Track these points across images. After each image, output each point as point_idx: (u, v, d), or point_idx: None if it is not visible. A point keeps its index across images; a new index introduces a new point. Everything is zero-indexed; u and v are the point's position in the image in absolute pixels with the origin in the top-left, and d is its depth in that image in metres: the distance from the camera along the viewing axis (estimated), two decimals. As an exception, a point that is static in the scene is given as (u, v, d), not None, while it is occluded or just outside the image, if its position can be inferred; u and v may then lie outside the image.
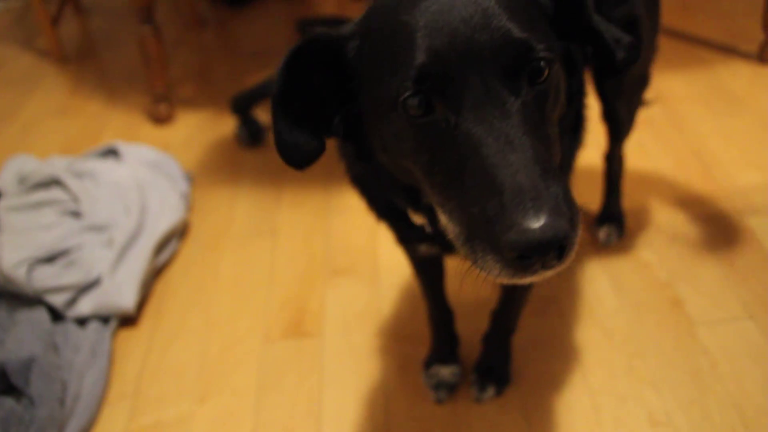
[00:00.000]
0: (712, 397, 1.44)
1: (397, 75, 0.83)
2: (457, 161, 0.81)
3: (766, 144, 2.13)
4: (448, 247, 1.19)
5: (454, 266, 1.44)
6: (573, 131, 1.19)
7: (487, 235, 0.76)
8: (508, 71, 0.81)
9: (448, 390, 1.51)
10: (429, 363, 1.55)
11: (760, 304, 1.63)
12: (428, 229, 1.10)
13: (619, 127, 1.71)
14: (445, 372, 1.53)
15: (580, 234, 0.79)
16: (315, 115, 0.94)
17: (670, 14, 2.80)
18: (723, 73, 2.51)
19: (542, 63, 0.83)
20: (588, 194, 1.99)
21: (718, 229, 1.85)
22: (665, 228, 1.87)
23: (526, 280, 0.78)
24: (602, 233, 1.85)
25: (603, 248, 1.83)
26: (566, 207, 0.76)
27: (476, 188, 0.78)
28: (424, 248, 1.26)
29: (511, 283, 0.81)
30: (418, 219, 1.10)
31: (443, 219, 0.86)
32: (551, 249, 0.73)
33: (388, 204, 1.16)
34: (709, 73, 2.52)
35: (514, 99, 0.81)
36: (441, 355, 1.55)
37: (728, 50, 2.64)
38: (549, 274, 0.77)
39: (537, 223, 0.72)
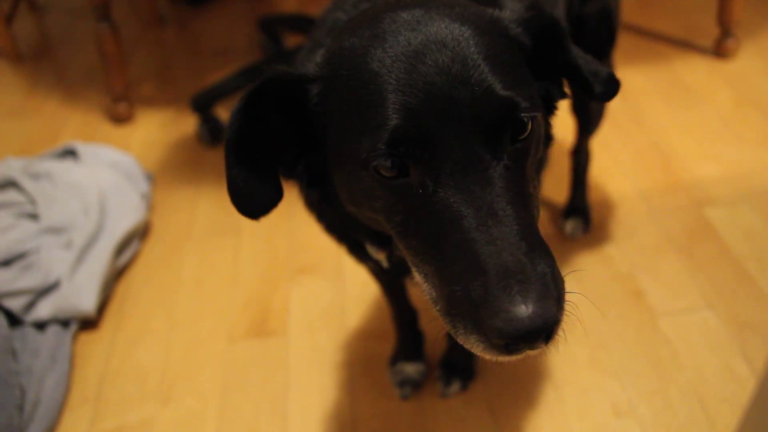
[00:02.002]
0: (673, 386, 1.46)
1: (367, 135, 0.75)
2: (435, 230, 0.75)
3: (722, 136, 2.18)
4: (405, 272, 1.14)
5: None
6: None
7: (471, 317, 0.70)
8: (490, 132, 0.75)
9: (413, 386, 1.51)
10: (394, 360, 1.55)
11: (718, 294, 1.66)
12: (385, 264, 1.06)
13: (589, 119, 1.72)
14: (410, 369, 1.53)
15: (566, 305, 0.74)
16: (274, 161, 0.86)
17: (629, 10, 2.84)
18: (680, 67, 2.55)
19: (525, 118, 0.77)
20: (554, 187, 2.01)
21: (677, 221, 1.88)
22: (626, 221, 1.90)
23: (511, 360, 0.74)
24: (568, 226, 1.87)
25: (566, 242, 1.85)
26: (554, 286, 0.71)
27: (457, 264, 0.72)
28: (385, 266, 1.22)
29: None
30: (378, 255, 1.04)
31: (417, 277, 0.81)
32: (540, 337, 0.69)
33: (349, 237, 1.09)
34: (667, 67, 2.56)
35: (496, 163, 0.75)
36: (406, 353, 1.55)
37: (685, 45, 2.68)
38: (534, 353, 0.73)
39: (525, 311, 0.67)
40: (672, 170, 2.06)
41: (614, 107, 2.33)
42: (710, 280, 1.69)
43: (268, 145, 0.85)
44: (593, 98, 0.91)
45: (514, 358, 0.73)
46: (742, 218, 1.86)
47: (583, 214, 1.88)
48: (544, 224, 1.92)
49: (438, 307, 0.77)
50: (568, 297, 0.75)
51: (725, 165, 2.05)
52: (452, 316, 0.74)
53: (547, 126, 0.94)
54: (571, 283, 1.71)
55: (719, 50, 2.57)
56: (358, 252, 1.14)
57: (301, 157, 0.88)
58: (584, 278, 1.74)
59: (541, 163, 1.18)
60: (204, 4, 3.51)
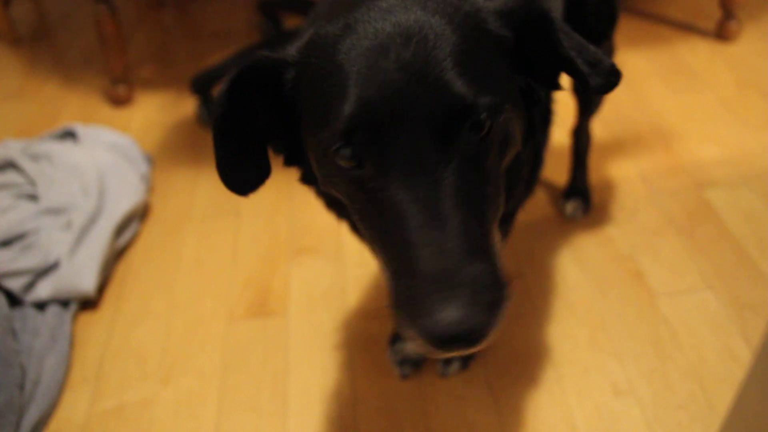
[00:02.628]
0: (672, 366, 1.47)
1: (328, 123, 0.77)
2: (384, 224, 0.77)
3: (724, 119, 2.17)
4: None
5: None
6: (542, 127, 1.17)
7: (408, 312, 0.72)
8: (443, 132, 0.75)
9: (412, 366, 1.52)
10: (393, 339, 1.55)
11: (718, 275, 1.65)
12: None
13: (590, 101, 1.71)
14: (410, 348, 1.53)
15: (506, 307, 0.74)
16: (260, 139, 0.89)
17: (630, -8, 2.83)
18: (682, 49, 2.54)
19: (483, 116, 0.76)
20: (555, 169, 2.01)
21: (678, 202, 1.87)
22: (626, 202, 1.89)
23: (446, 356, 0.76)
24: (569, 208, 1.86)
25: (566, 224, 1.85)
26: (487, 292, 0.72)
27: (399, 261, 0.75)
28: None
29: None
30: None
31: (378, 261, 0.83)
32: (463, 342, 0.70)
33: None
34: (669, 49, 2.55)
35: (446, 164, 0.75)
36: None
37: (687, 28, 2.67)
38: (470, 351, 0.73)
39: (448, 316, 0.68)
40: (673, 152, 2.05)
41: (615, 89, 2.32)
42: (710, 262, 1.69)
43: (254, 125, 0.88)
44: (590, 91, 0.86)
45: (448, 354, 0.74)
46: (742, 200, 1.85)
47: (584, 196, 1.88)
48: (544, 205, 1.91)
49: (389, 297, 0.78)
50: (507, 301, 0.75)
51: (726, 147, 2.05)
52: (396, 307, 0.75)
53: (534, 115, 0.93)
54: (570, 263, 1.72)
55: (721, 33, 2.56)
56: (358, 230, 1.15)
57: (281, 135, 0.90)
58: (584, 259, 1.74)
59: (542, 143, 1.18)
60: (203, -14, 3.49)
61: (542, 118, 1.14)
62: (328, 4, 1.06)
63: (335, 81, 0.78)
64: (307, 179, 0.97)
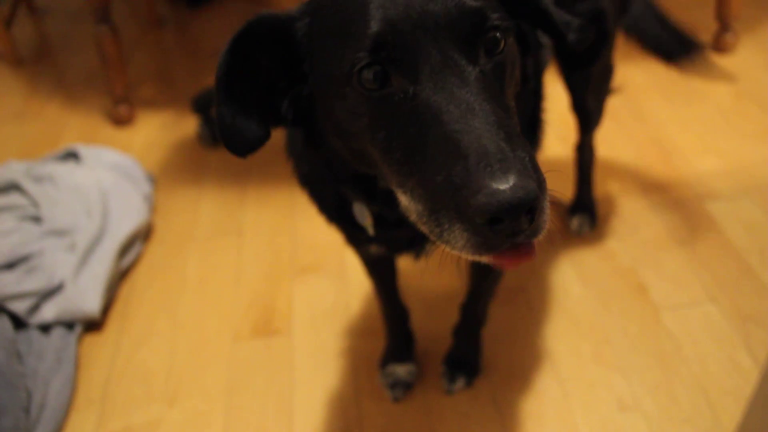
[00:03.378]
0: (677, 380, 1.47)
1: (350, 46, 0.80)
2: (417, 133, 0.78)
3: (722, 131, 2.18)
4: (396, 248, 1.18)
5: (410, 264, 1.45)
6: (531, 134, 1.19)
7: (454, 203, 0.73)
8: (465, 40, 0.80)
9: (404, 388, 1.51)
10: (385, 362, 1.55)
11: (721, 287, 1.66)
12: (371, 231, 1.09)
13: (588, 117, 1.72)
14: (401, 370, 1.53)
15: (548, 197, 0.76)
16: (262, 100, 0.91)
17: (627, 6, 2.84)
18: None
19: (498, 34, 0.82)
20: (559, 185, 2.01)
21: (679, 215, 1.88)
22: (628, 216, 1.90)
23: (495, 253, 0.74)
24: (575, 223, 1.87)
25: (568, 238, 1.85)
26: (534, 171, 0.74)
27: (439, 157, 0.75)
28: (373, 249, 1.24)
29: (479, 260, 0.77)
30: (364, 220, 1.08)
31: (404, 201, 0.83)
32: (522, 210, 0.70)
33: (339, 205, 1.12)
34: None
35: (472, 67, 0.79)
36: (396, 354, 1.55)
37: (684, 40, 2.68)
38: (520, 239, 0.73)
39: (506, 183, 0.69)
40: (673, 165, 2.06)
41: (614, 103, 2.33)
42: (712, 274, 1.70)
43: (257, 84, 0.90)
44: (568, 46, 0.97)
45: (498, 249, 0.73)
46: (743, 212, 1.86)
47: (590, 211, 1.88)
48: (554, 222, 1.91)
49: (423, 215, 0.79)
50: (544, 180, 0.76)
51: (726, 159, 2.06)
52: (436, 212, 0.76)
53: (526, 64, 0.99)
54: (573, 278, 1.73)
55: (718, 45, 2.58)
56: (350, 234, 1.19)
57: (288, 94, 0.92)
58: (587, 273, 1.74)
59: (540, 66, 1.21)
60: (203, 5, 3.52)
61: (532, 123, 1.17)
62: None
63: (354, 9, 0.81)
64: (312, 141, 0.97)
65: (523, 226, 0.71)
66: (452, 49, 0.79)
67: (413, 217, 0.82)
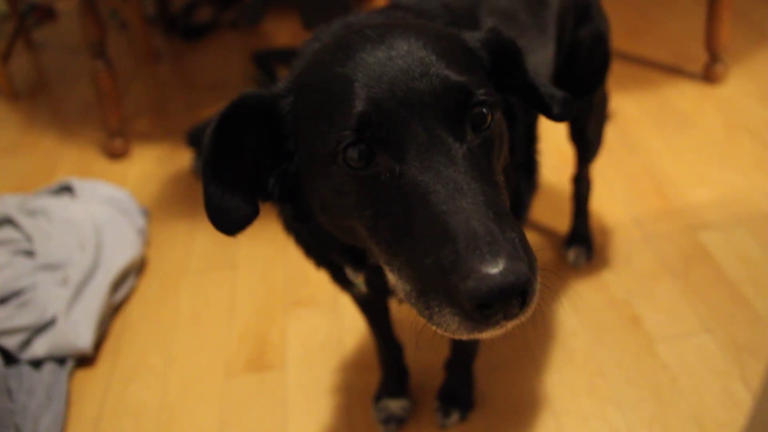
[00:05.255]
0: (673, 412, 1.46)
1: (335, 125, 0.79)
2: (404, 213, 0.77)
3: (714, 161, 2.19)
4: (385, 293, 1.15)
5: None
6: (527, 176, 1.20)
7: (443, 287, 0.71)
8: (451, 116, 0.79)
9: (397, 423, 1.50)
10: (378, 397, 1.54)
11: (715, 317, 1.66)
12: (363, 289, 1.09)
13: (588, 147, 1.73)
14: (395, 405, 1.52)
15: (539, 283, 0.75)
16: (248, 178, 0.89)
17: (618, 37, 2.86)
18: (671, 93, 2.58)
19: (484, 109, 0.81)
20: (553, 217, 2.02)
21: (672, 246, 1.88)
22: (621, 247, 1.90)
23: (487, 335, 0.73)
24: (571, 255, 1.87)
25: (561, 269, 1.85)
26: (524, 252, 0.72)
27: (427, 238, 0.74)
28: (363, 292, 1.22)
29: (470, 339, 0.76)
30: (355, 279, 1.07)
31: (392, 278, 0.82)
32: (514, 295, 0.69)
33: (326, 256, 1.12)
34: (657, 93, 2.58)
35: (459, 144, 0.78)
36: (390, 389, 1.54)
37: (674, 71, 2.71)
38: (511, 325, 0.73)
39: (496, 267, 0.68)
40: (665, 195, 2.07)
41: (606, 134, 2.35)
42: (707, 305, 1.69)
43: (243, 163, 0.89)
44: (551, 118, 0.97)
45: (490, 330, 0.72)
46: (736, 242, 1.86)
47: (586, 243, 1.88)
48: (546, 253, 1.92)
49: (412, 299, 0.77)
50: (535, 261, 0.75)
51: (718, 189, 2.07)
52: (425, 295, 0.75)
53: (513, 135, 0.98)
54: (568, 311, 1.72)
55: (708, 75, 2.60)
56: (339, 277, 1.17)
57: (274, 172, 0.91)
58: (581, 305, 1.74)
59: (527, 191, 1.20)
60: (198, 39, 3.55)
61: (527, 165, 1.18)
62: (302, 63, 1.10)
63: (339, 88, 0.81)
64: (300, 216, 0.96)
65: (514, 310, 0.71)
66: (438, 126, 0.78)
67: (401, 296, 0.80)
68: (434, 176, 0.76)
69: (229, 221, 0.89)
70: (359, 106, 0.78)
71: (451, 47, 0.86)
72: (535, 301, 0.73)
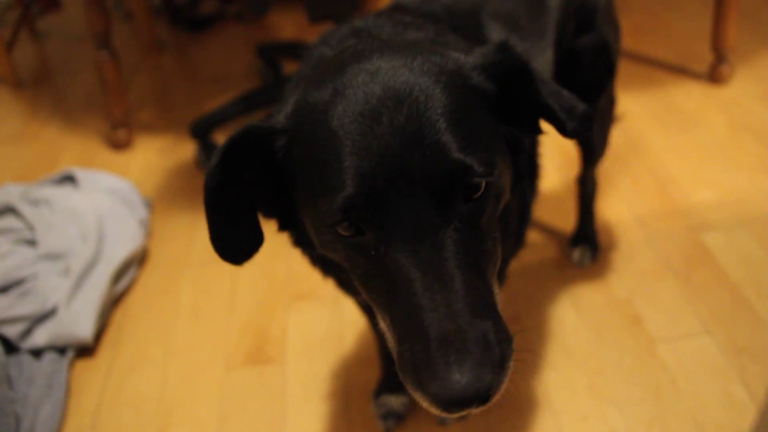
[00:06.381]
0: (672, 413, 1.46)
1: (325, 197, 0.78)
2: (388, 288, 0.78)
3: (718, 162, 2.19)
4: None
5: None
6: (530, 182, 1.19)
7: (415, 376, 0.73)
8: (441, 196, 0.76)
9: (396, 419, 1.50)
10: (378, 392, 1.54)
11: (716, 319, 1.65)
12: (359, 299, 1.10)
13: (592, 150, 1.72)
14: (394, 401, 1.51)
15: (511, 363, 0.76)
16: (251, 209, 0.90)
17: (624, 36, 2.86)
18: (676, 93, 2.57)
19: (478, 179, 0.77)
20: (556, 216, 2.02)
21: (674, 246, 1.88)
22: (623, 247, 1.90)
23: (454, 417, 0.76)
24: (576, 255, 1.86)
25: (563, 269, 1.85)
26: (496, 349, 0.73)
27: (405, 325, 0.76)
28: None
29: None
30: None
31: (381, 324, 0.84)
32: (474, 403, 0.71)
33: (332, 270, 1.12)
34: (662, 93, 2.58)
35: (446, 227, 0.77)
36: (390, 385, 1.53)
37: (680, 71, 2.70)
38: (475, 412, 0.74)
39: (460, 379, 0.69)
40: (668, 196, 2.07)
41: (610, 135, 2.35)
42: (708, 306, 1.69)
43: (245, 195, 0.88)
44: (566, 135, 0.90)
45: (456, 415, 0.76)
46: (739, 243, 1.86)
47: (591, 243, 1.87)
48: (541, 251, 1.92)
49: (395, 358, 0.79)
50: (514, 355, 0.77)
51: (721, 190, 2.06)
52: (402, 371, 0.77)
53: (519, 162, 0.94)
54: (568, 309, 1.72)
55: (714, 76, 2.59)
56: (344, 285, 1.19)
57: (275, 202, 0.90)
58: (582, 304, 1.74)
59: (529, 196, 1.19)
60: (203, 30, 3.55)
61: (529, 171, 1.16)
62: (311, 68, 1.08)
63: (330, 149, 0.78)
64: (301, 243, 0.98)
65: (474, 411, 0.73)
66: (427, 208, 0.76)
67: (388, 344, 0.82)
68: (417, 262, 0.75)
69: (236, 253, 0.90)
70: (347, 186, 0.75)
71: (455, 93, 0.81)
72: (502, 389, 0.74)
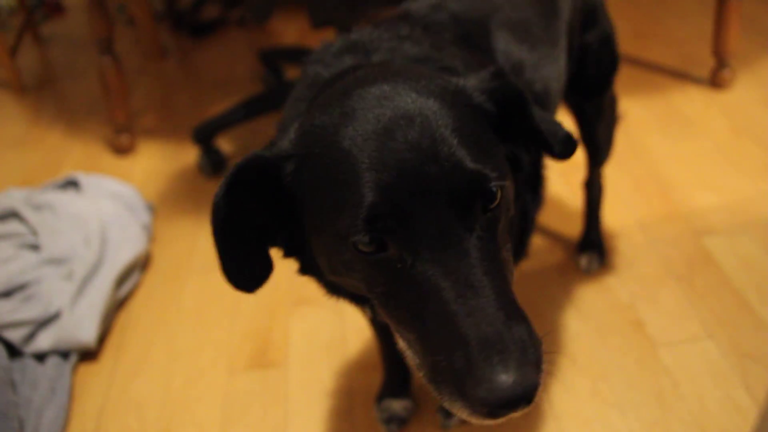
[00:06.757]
0: (674, 417, 1.46)
1: (344, 213, 0.77)
2: (416, 301, 0.77)
3: (720, 166, 2.19)
4: None
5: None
6: (533, 191, 1.19)
7: (456, 385, 0.73)
8: (462, 205, 0.77)
9: (399, 424, 1.50)
10: (381, 397, 1.54)
11: (719, 323, 1.66)
12: (368, 314, 1.09)
13: (598, 149, 1.73)
14: (397, 406, 1.52)
15: (545, 365, 0.77)
16: (259, 237, 0.89)
17: (625, 41, 2.86)
18: (677, 98, 2.58)
19: (494, 188, 0.79)
20: (560, 222, 2.02)
21: (677, 250, 1.88)
22: (625, 251, 1.90)
23: (495, 423, 0.76)
24: (584, 261, 1.86)
25: (565, 273, 1.85)
26: (532, 351, 0.74)
27: (439, 335, 0.75)
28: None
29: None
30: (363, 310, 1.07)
31: (400, 343, 0.83)
32: (522, 404, 0.72)
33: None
34: (664, 97, 2.58)
35: (469, 235, 0.77)
36: (393, 389, 1.54)
37: (681, 75, 2.71)
38: (518, 415, 0.75)
39: (507, 380, 0.70)
40: (670, 200, 2.07)
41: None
42: (710, 310, 1.69)
43: (252, 223, 0.88)
44: (553, 157, 0.95)
45: (498, 421, 0.74)
46: (741, 247, 1.86)
47: (599, 248, 1.87)
48: (543, 256, 1.92)
49: (422, 373, 0.79)
50: (546, 357, 0.77)
51: (723, 194, 2.07)
52: (437, 383, 0.76)
53: (538, 167, 0.98)
54: (570, 313, 1.72)
55: (715, 81, 2.60)
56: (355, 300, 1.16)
57: (281, 232, 0.90)
58: (584, 309, 1.74)
59: (532, 208, 1.20)
60: (205, 36, 3.56)
61: (533, 182, 1.17)
62: (306, 87, 1.08)
63: (345, 168, 0.78)
64: (307, 269, 0.97)
65: (521, 411, 0.73)
66: (450, 216, 0.76)
67: (409, 361, 0.82)
68: (445, 272, 0.76)
69: (247, 281, 0.90)
70: (369, 197, 0.75)
71: (461, 112, 0.83)
72: (540, 392, 0.75)
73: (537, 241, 1.97)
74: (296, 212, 0.87)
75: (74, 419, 1.61)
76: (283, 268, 1.95)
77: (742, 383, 1.51)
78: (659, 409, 1.48)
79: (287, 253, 0.94)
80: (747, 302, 1.70)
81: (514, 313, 0.76)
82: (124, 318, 1.88)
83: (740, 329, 1.63)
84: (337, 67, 1.05)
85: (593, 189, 1.85)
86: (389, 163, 0.76)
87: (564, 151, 0.94)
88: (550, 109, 1.30)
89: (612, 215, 2.03)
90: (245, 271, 0.90)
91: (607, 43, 1.53)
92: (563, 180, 2.16)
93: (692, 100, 2.55)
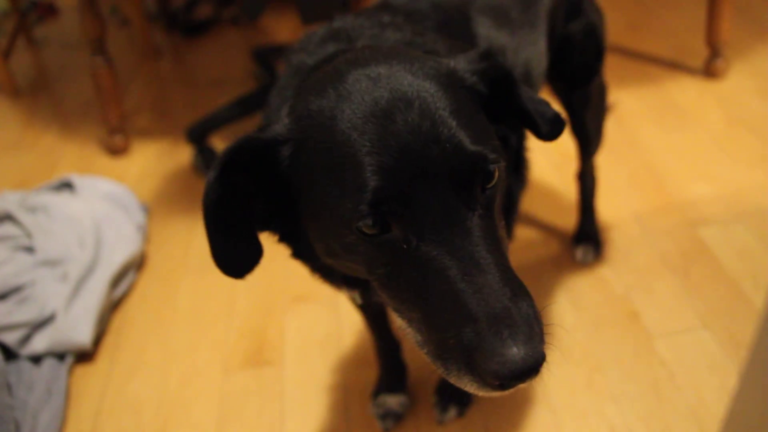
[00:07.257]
0: (670, 408, 1.46)
1: (348, 197, 0.77)
2: (421, 281, 0.78)
3: (714, 156, 2.19)
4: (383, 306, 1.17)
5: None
6: (516, 173, 1.20)
7: (465, 360, 0.75)
8: (463, 185, 0.79)
9: (395, 419, 1.50)
10: (376, 392, 1.54)
11: (714, 314, 1.65)
12: (358, 301, 1.09)
13: (588, 139, 1.73)
14: (392, 401, 1.51)
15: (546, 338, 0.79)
16: (250, 221, 0.89)
17: (618, 32, 2.87)
18: (671, 88, 2.57)
19: (491, 167, 0.81)
20: (554, 214, 2.02)
21: (671, 241, 1.88)
22: (620, 242, 1.90)
23: (503, 395, 0.78)
24: (579, 253, 1.85)
25: (560, 265, 1.85)
26: (537, 325, 0.76)
27: (446, 313, 0.76)
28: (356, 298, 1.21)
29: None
30: (351, 293, 1.07)
31: (400, 322, 0.84)
32: (531, 375, 0.74)
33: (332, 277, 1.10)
34: (658, 88, 2.58)
35: (471, 214, 0.79)
36: (388, 384, 1.54)
37: (675, 66, 2.70)
38: (524, 386, 0.77)
39: (516, 351, 0.72)
40: (665, 191, 2.07)
41: (606, 129, 2.34)
42: (705, 300, 1.69)
43: (244, 207, 0.88)
44: (541, 138, 0.96)
45: (506, 392, 0.76)
46: (735, 237, 1.86)
47: (594, 240, 1.87)
48: (537, 248, 1.92)
49: (426, 351, 0.81)
50: (547, 330, 0.80)
51: (718, 185, 2.06)
52: (444, 359, 0.78)
53: (521, 150, 1.00)
54: (565, 305, 1.72)
55: (709, 71, 2.59)
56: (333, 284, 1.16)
57: (274, 214, 0.90)
58: (579, 301, 1.74)
59: (516, 189, 1.20)
60: (199, 35, 3.55)
61: (516, 164, 1.17)
62: (291, 76, 1.07)
63: (346, 152, 0.78)
64: (300, 254, 0.97)
65: (523, 385, 0.75)
66: (452, 197, 0.78)
67: (412, 340, 0.83)
68: (450, 250, 0.77)
69: (237, 267, 0.91)
70: (373, 181, 0.76)
71: (456, 93, 0.84)
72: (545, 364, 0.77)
73: (532, 234, 1.97)
74: (291, 196, 0.87)
75: (71, 421, 1.61)
76: (277, 265, 1.95)
77: (738, 373, 1.50)
78: (655, 400, 1.48)
79: (281, 238, 0.94)
80: (742, 292, 1.70)
81: (518, 288, 0.78)
82: (119, 319, 1.87)
83: (736, 319, 1.63)
84: (321, 55, 1.06)
85: (586, 180, 1.85)
86: (391, 147, 0.77)
87: (552, 131, 0.96)
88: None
89: (607, 207, 2.02)
90: (235, 255, 0.90)
91: (592, 33, 1.53)
92: (557, 172, 2.15)
93: (686, 91, 2.55)
